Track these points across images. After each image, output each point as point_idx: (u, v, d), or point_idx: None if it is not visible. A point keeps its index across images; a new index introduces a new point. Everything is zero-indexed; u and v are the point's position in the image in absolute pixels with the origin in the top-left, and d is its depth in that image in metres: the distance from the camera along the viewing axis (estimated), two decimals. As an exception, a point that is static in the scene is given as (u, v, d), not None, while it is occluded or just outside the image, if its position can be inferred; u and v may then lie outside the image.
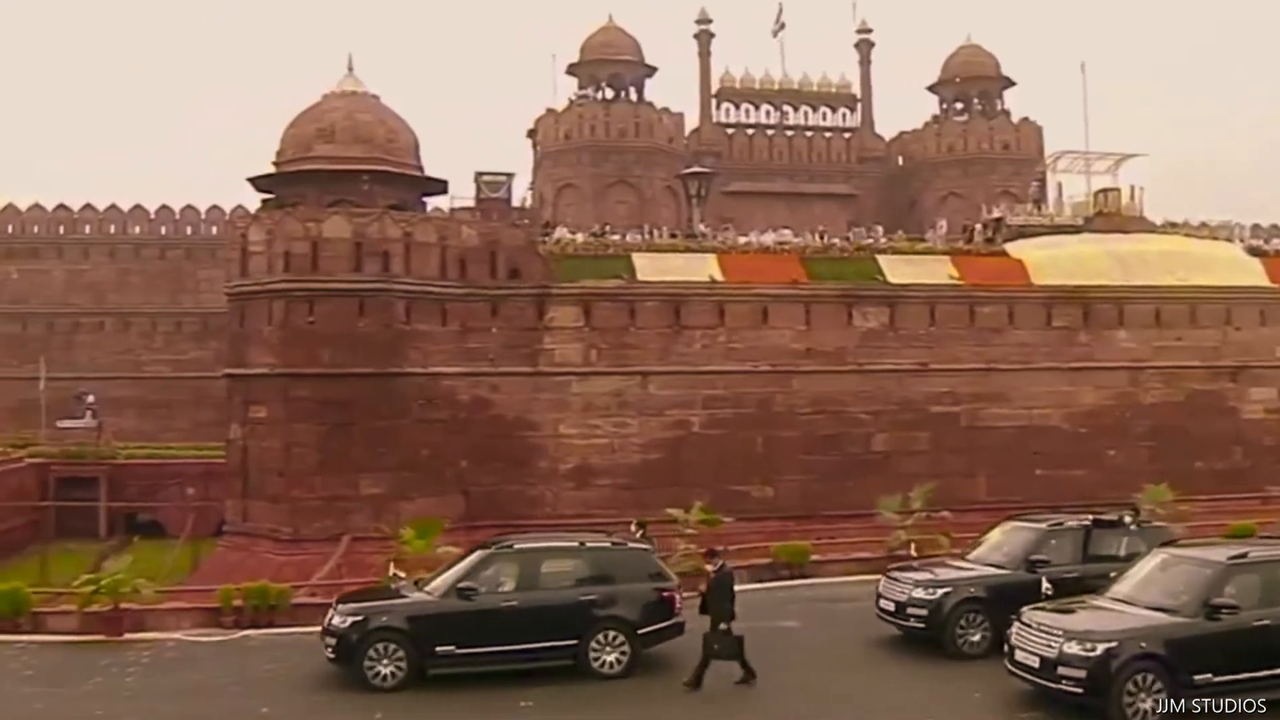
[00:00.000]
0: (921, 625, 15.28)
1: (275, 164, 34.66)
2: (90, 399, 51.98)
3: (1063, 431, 35.41)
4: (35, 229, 61.57)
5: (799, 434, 33.79)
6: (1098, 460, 35.14)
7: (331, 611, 14.43)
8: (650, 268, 34.65)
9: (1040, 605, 13.30)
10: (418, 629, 13.65)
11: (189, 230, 62.52)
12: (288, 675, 14.62)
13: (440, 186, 36.10)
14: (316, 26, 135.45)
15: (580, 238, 37.79)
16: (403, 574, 15.73)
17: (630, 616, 14.03)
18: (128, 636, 16.61)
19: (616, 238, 38.18)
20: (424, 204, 35.91)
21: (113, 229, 61.91)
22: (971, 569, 15.99)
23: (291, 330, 31.16)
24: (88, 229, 61.94)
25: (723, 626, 13.46)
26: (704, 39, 64.09)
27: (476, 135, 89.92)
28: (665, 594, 14.40)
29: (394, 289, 31.31)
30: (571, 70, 60.96)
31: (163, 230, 62.35)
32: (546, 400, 32.66)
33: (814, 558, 22.46)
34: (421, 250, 31.90)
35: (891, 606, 15.77)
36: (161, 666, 15.34)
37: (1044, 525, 16.23)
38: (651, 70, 60.80)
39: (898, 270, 36.01)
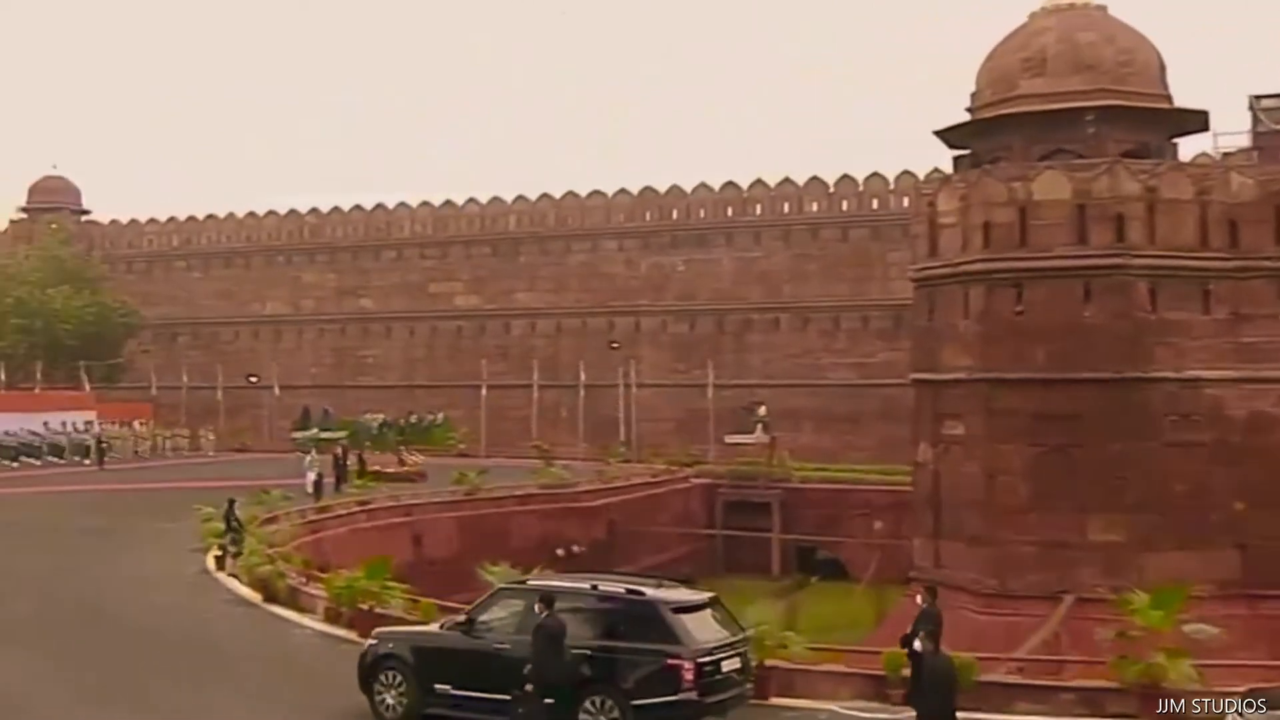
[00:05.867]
0: None
1: (970, 110, 35.32)
2: (762, 410, 55.75)
3: None
4: (701, 213, 67.02)
5: None
6: None
7: None
8: None
9: None
10: (420, 662, 15.50)
11: (875, 204, 64.42)
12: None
13: (1197, 121, 35.20)
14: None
15: None
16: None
17: (624, 683, 14.29)
18: (774, 700, 17.15)
19: None
20: (1174, 146, 35.31)
21: (786, 208, 65.75)
22: None
23: (994, 323, 31.74)
24: (759, 209, 66.33)
25: (528, 687, 13.75)
26: None
27: (1252, 46, 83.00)
28: (669, 662, 14.11)
29: (1132, 265, 31.01)
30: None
31: (844, 206, 64.93)
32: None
33: None
34: (1171, 211, 31.27)
35: None
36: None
37: None
38: None
39: None
